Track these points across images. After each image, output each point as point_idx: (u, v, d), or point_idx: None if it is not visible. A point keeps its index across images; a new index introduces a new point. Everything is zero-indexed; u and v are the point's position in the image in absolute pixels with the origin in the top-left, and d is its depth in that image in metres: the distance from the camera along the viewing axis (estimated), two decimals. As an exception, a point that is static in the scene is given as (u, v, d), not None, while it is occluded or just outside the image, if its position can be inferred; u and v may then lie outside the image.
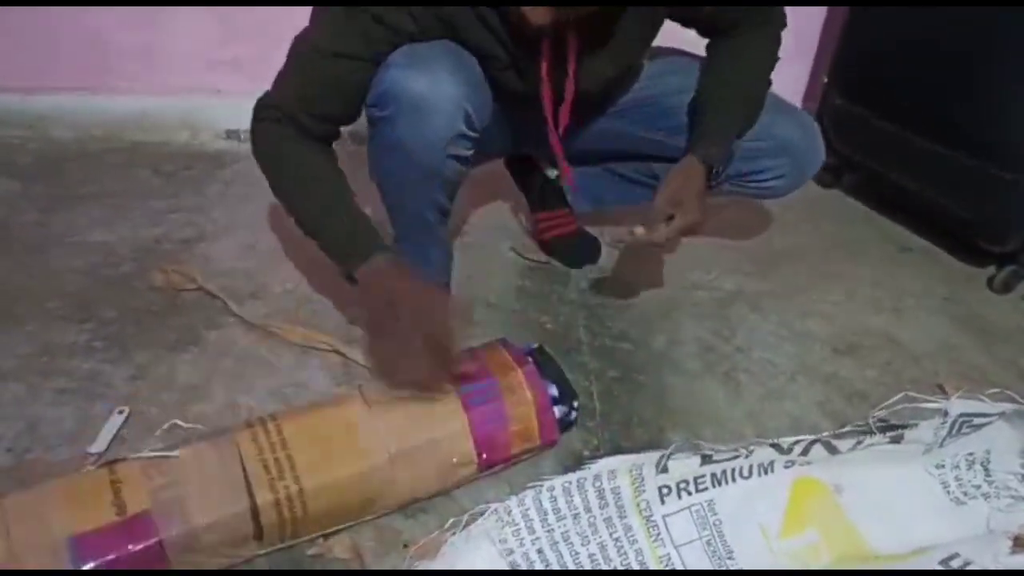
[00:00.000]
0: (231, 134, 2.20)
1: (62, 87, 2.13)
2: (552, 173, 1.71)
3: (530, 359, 1.22)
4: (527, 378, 1.18)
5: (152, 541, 0.96)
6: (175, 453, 1.03)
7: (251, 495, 1.01)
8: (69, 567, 0.93)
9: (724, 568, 1.01)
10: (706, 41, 1.44)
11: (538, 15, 1.07)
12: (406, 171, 1.24)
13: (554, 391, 1.20)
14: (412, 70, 1.15)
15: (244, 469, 1.03)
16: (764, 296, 1.66)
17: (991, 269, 1.79)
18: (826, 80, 2.06)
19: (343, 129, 1.29)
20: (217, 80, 2.13)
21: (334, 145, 1.30)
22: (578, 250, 1.74)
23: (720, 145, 1.36)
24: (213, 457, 1.04)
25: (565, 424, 1.22)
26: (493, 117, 1.28)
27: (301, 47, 1.21)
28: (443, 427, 1.12)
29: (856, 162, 2.03)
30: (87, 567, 0.93)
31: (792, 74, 2.27)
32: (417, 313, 1.15)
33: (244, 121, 2.15)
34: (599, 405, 1.35)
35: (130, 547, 0.95)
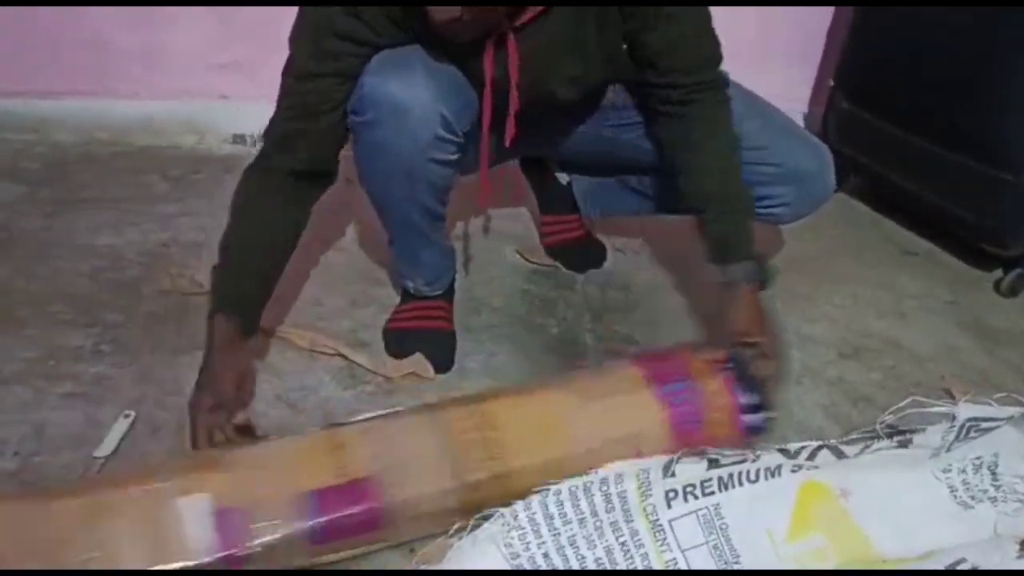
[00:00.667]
0: (237, 138, 2.20)
1: (67, 91, 2.14)
2: (563, 179, 1.71)
3: (729, 365, 1.22)
4: (725, 384, 1.19)
5: (372, 505, 1.03)
6: (394, 410, 1.18)
7: (461, 471, 1.07)
8: (306, 519, 1.00)
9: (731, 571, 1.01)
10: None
11: (440, 13, 1.06)
12: (388, 175, 1.25)
13: (749, 399, 1.20)
14: (387, 75, 1.17)
15: (455, 445, 1.09)
16: (769, 299, 1.65)
17: (997, 273, 1.79)
18: (832, 84, 2.06)
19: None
20: (222, 84, 2.14)
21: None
22: (582, 255, 1.74)
23: (749, 258, 1.30)
24: (426, 430, 1.11)
25: (757, 431, 1.21)
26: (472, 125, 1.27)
27: (282, 82, 1.23)
28: (644, 423, 1.15)
29: (861, 165, 2.03)
30: (320, 520, 1.01)
31: (798, 77, 2.27)
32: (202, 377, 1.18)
33: (250, 125, 2.19)
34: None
35: (352, 509, 1.02)
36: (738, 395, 1.19)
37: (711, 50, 1.26)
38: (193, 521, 0.98)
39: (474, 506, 1.06)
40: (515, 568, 1.01)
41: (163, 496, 1.00)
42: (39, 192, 1.94)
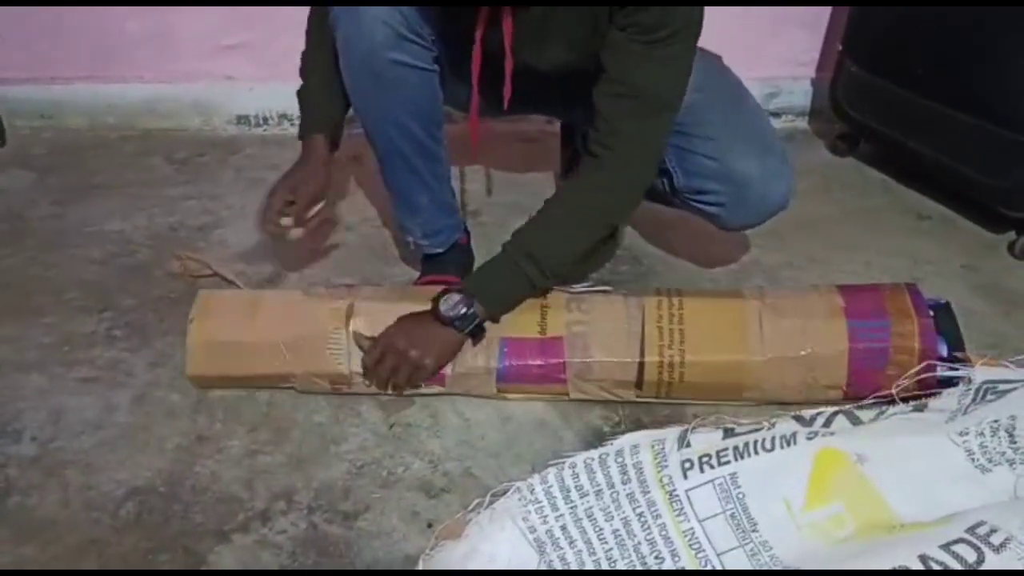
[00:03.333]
0: (242, 120, 2.19)
1: (73, 76, 2.13)
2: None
3: (931, 312, 1.23)
4: (921, 330, 1.20)
5: (558, 361, 1.23)
6: (605, 288, 1.32)
7: (642, 351, 1.21)
8: (496, 361, 1.24)
9: (749, 540, 1.01)
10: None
11: None
12: (360, 76, 1.26)
13: (944, 350, 1.21)
14: None
15: (643, 328, 1.22)
16: (781, 267, 1.65)
17: (1011, 235, 1.77)
18: (840, 48, 2.03)
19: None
20: (227, 66, 2.13)
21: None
22: None
23: (493, 299, 1.24)
24: (622, 311, 1.26)
25: (946, 382, 1.18)
26: (456, 67, 1.27)
27: None
28: (824, 349, 1.20)
29: (872, 130, 2.00)
30: (507, 364, 1.24)
31: (804, 42, 2.25)
32: (291, 175, 1.34)
33: (255, 106, 2.18)
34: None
35: (541, 360, 1.24)
36: (930, 344, 1.20)
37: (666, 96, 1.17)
38: None
39: (651, 385, 1.22)
40: (534, 542, 1.01)
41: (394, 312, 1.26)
42: (48, 179, 1.94)
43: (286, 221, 1.32)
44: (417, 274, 1.54)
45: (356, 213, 1.79)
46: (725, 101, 1.33)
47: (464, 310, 1.21)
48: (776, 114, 2.27)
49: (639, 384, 1.23)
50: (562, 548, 1.01)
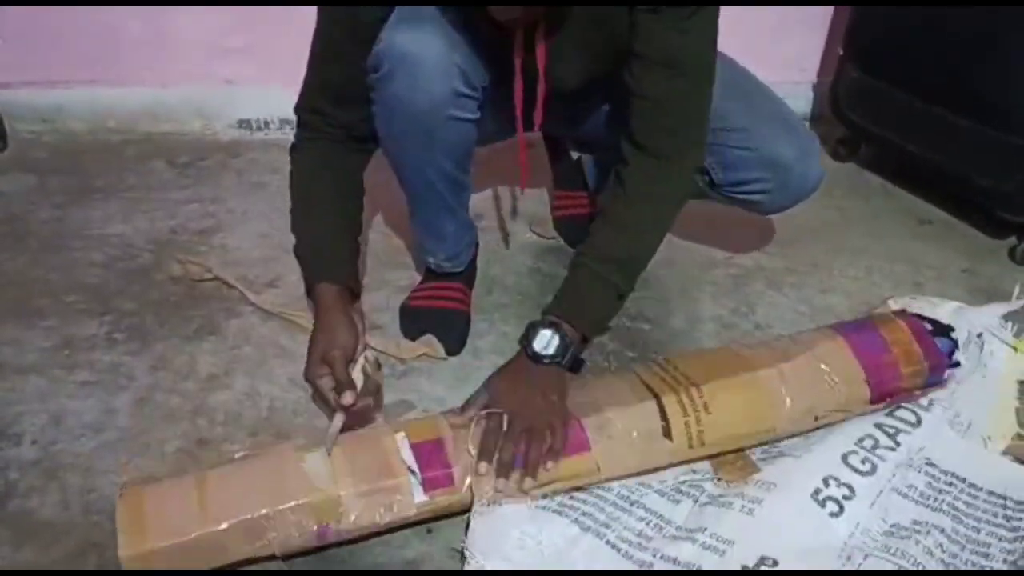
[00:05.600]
0: (243, 123, 2.20)
1: (74, 80, 2.13)
2: (575, 155, 1.70)
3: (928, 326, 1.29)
4: (899, 317, 1.29)
5: (576, 427, 1.11)
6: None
7: (655, 394, 1.14)
8: None
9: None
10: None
11: (501, 13, 1.03)
12: (406, 133, 1.22)
13: (929, 326, 1.26)
14: (399, 29, 1.13)
15: (644, 382, 1.17)
16: (782, 272, 1.65)
17: (1012, 240, 1.77)
18: (841, 52, 2.04)
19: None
20: (228, 69, 2.13)
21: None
22: (583, 232, 1.71)
23: (581, 333, 1.18)
24: (613, 378, 1.22)
25: (953, 363, 1.25)
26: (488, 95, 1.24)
27: (312, 43, 1.21)
28: (821, 347, 1.23)
29: (873, 135, 2.01)
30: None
31: (806, 46, 2.25)
32: (315, 343, 1.17)
33: (256, 110, 2.19)
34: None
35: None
36: (915, 323, 1.28)
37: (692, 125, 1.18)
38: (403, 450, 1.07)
39: (677, 428, 1.12)
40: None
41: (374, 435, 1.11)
42: (49, 182, 1.94)
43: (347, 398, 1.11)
44: (418, 277, 1.54)
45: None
46: (743, 91, 1.33)
47: (559, 342, 1.14)
48: (777, 119, 2.27)
49: (667, 431, 1.12)
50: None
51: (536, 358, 1.14)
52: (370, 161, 1.30)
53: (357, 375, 1.15)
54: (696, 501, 1.10)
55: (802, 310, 1.55)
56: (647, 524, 1.08)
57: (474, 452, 1.08)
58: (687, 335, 1.48)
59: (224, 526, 0.98)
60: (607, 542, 1.05)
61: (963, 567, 1.01)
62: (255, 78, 2.11)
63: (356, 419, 1.15)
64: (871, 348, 1.23)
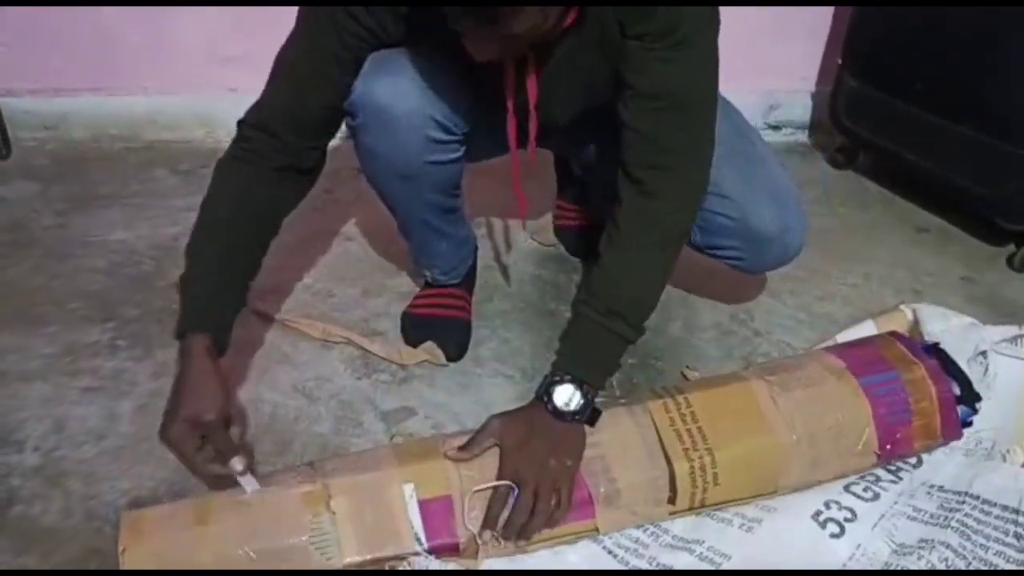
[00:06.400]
0: (245, 131, 2.20)
1: (77, 88, 2.14)
2: (576, 169, 1.71)
3: (931, 355, 1.20)
4: (930, 373, 1.17)
5: (583, 493, 1.05)
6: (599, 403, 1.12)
7: (668, 462, 1.07)
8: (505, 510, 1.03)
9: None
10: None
11: (479, 55, 0.98)
12: (387, 179, 1.23)
13: (956, 389, 1.18)
14: (375, 77, 1.11)
15: (659, 437, 1.09)
16: (780, 279, 1.66)
17: (1010, 248, 1.78)
18: (840, 61, 2.05)
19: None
20: (230, 77, 2.14)
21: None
22: (584, 241, 1.72)
23: (591, 384, 1.10)
24: (629, 423, 1.11)
25: (965, 423, 1.19)
26: (477, 121, 1.22)
27: (280, 55, 1.17)
28: (847, 414, 1.13)
29: (871, 143, 2.02)
30: None
31: (805, 54, 2.26)
32: (180, 403, 1.03)
33: (258, 118, 2.17)
34: (619, 392, 1.35)
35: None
36: (944, 386, 1.16)
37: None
38: (402, 512, 1.01)
39: (685, 496, 1.07)
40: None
41: (380, 484, 1.03)
42: (52, 189, 1.95)
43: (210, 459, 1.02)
44: (419, 284, 1.55)
45: (357, 224, 1.80)
46: (739, 154, 1.29)
47: (581, 399, 1.07)
48: (776, 127, 2.29)
49: (672, 499, 1.08)
50: None
51: (558, 414, 1.07)
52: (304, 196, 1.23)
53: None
54: (696, 514, 1.10)
55: (801, 317, 1.56)
56: (644, 532, 1.08)
57: (476, 522, 1.02)
58: (686, 342, 1.48)
59: None
60: (604, 547, 1.06)
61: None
62: (257, 86, 2.10)
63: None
64: (894, 419, 1.14)
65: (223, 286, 1.13)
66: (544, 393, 1.08)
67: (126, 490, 1.17)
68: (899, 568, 1.01)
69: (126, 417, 1.30)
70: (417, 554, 1.00)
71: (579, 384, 1.08)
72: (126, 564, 0.94)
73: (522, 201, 1.26)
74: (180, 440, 1.00)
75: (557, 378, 1.09)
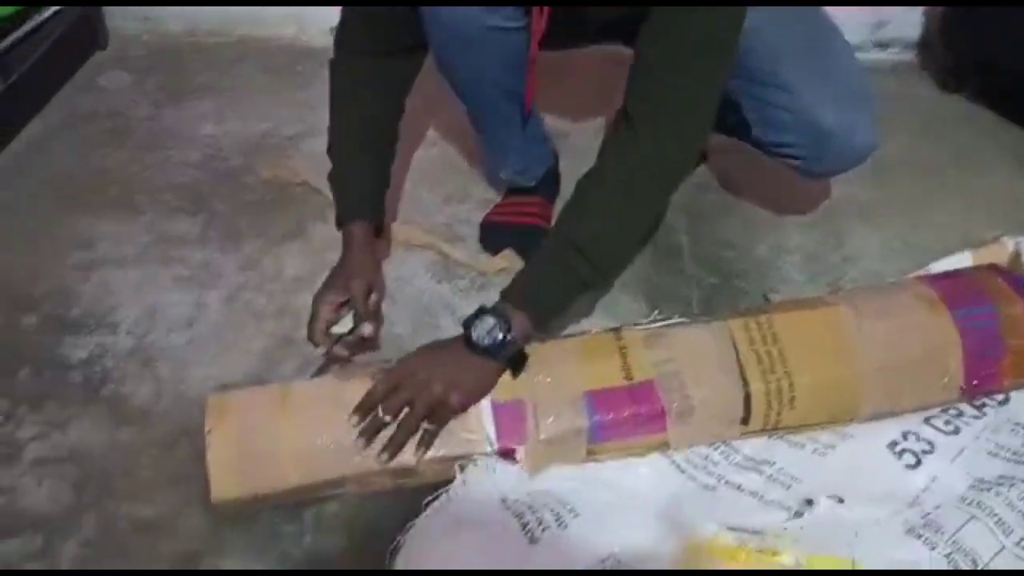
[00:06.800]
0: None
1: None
2: None
3: None
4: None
5: (656, 407, 1.04)
6: (671, 320, 1.14)
7: (745, 382, 1.06)
8: (584, 419, 1.03)
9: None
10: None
11: None
12: (451, 45, 1.20)
13: None
14: None
15: (738, 356, 1.07)
16: (876, 205, 1.59)
17: None
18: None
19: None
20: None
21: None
22: None
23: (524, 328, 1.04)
24: (708, 340, 1.10)
25: None
26: None
27: None
28: (935, 346, 1.10)
29: (983, 65, 1.90)
30: (600, 419, 1.03)
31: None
32: (338, 275, 1.20)
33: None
34: (697, 311, 1.33)
35: (637, 409, 1.04)
36: None
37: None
38: (475, 413, 1.04)
39: (759, 417, 1.06)
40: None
41: None
42: (147, 81, 1.98)
43: (338, 344, 1.16)
44: (501, 192, 1.54)
45: (440, 129, 1.78)
46: (804, 44, 1.23)
47: (501, 335, 1.01)
48: (883, 45, 2.16)
49: (745, 420, 1.07)
50: None
51: (471, 346, 1.02)
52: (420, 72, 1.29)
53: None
54: (768, 435, 1.09)
55: (894, 245, 1.50)
56: (715, 449, 1.08)
57: (549, 428, 1.03)
58: (771, 265, 1.45)
59: (305, 484, 1.01)
60: (673, 463, 1.06)
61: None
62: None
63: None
64: (985, 354, 1.10)
65: (370, 176, 1.26)
66: (467, 322, 1.03)
67: (213, 376, 1.22)
68: (974, 502, 0.98)
69: (214, 307, 1.34)
70: (486, 454, 1.02)
71: (504, 321, 1.01)
72: (212, 444, 0.99)
73: (531, 88, 1.25)
74: (326, 304, 1.17)
75: (485, 310, 1.03)
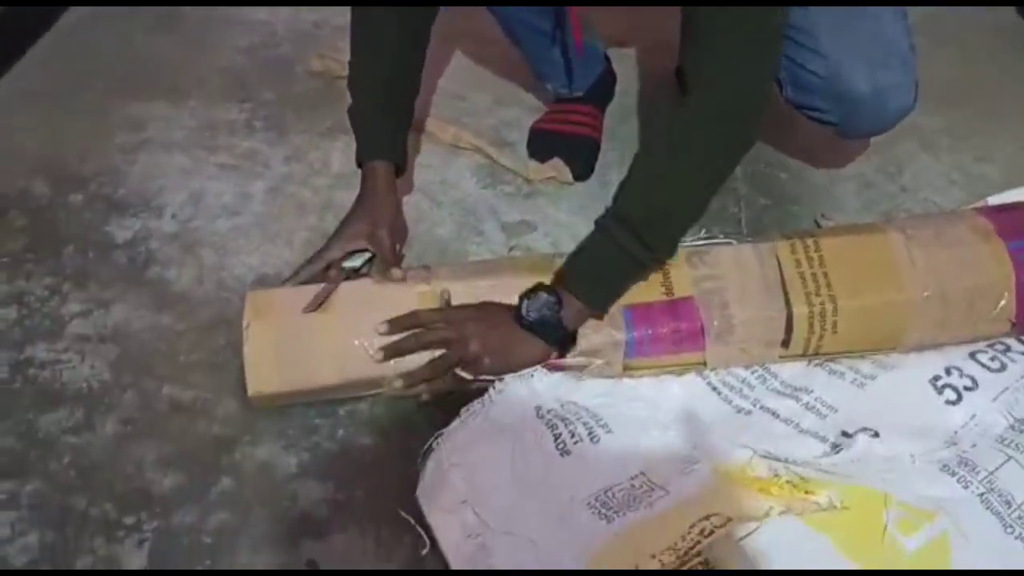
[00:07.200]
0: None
1: None
2: None
3: None
4: None
5: (696, 324, 1.02)
6: (715, 240, 1.11)
7: (788, 303, 1.03)
8: (623, 332, 1.01)
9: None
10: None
11: None
12: None
13: None
14: None
15: (782, 277, 1.04)
16: (938, 134, 1.53)
17: None
18: None
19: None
20: None
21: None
22: None
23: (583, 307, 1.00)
24: (752, 260, 1.06)
25: None
26: None
27: None
28: (987, 277, 1.06)
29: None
30: (637, 334, 1.01)
31: None
32: (357, 218, 1.13)
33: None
34: (747, 232, 1.30)
35: (676, 325, 1.02)
36: None
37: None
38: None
39: (800, 341, 1.04)
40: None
41: (497, 292, 1.03)
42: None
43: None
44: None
45: (494, 28, 1.73)
46: (843, 6, 1.16)
47: (549, 314, 0.97)
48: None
49: (786, 343, 1.04)
50: None
51: (518, 317, 0.99)
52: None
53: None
54: (808, 362, 1.07)
55: (954, 177, 1.45)
56: (752, 373, 1.06)
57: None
58: (826, 190, 1.41)
59: (340, 383, 1.00)
60: (709, 383, 1.05)
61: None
62: None
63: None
64: None
65: (392, 112, 1.17)
66: (523, 294, 0.99)
67: (254, 266, 1.22)
68: (1012, 443, 0.96)
69: (258, 197, 1.34)
70: None
71: (555, 302, 0.98)
72: (249, 339, 0.99)
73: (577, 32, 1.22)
74: (342, 252, 1.10)
75: (543, 285, 0.99)
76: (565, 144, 1.41)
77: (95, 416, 1.03)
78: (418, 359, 0.98)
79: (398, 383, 0.98)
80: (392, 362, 0.98)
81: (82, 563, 0.88)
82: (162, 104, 1.51)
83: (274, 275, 1.20)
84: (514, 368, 0.99)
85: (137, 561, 0.89)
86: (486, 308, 1.01)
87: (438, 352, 0.98)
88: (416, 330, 0.98)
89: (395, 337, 0.98)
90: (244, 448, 1.00)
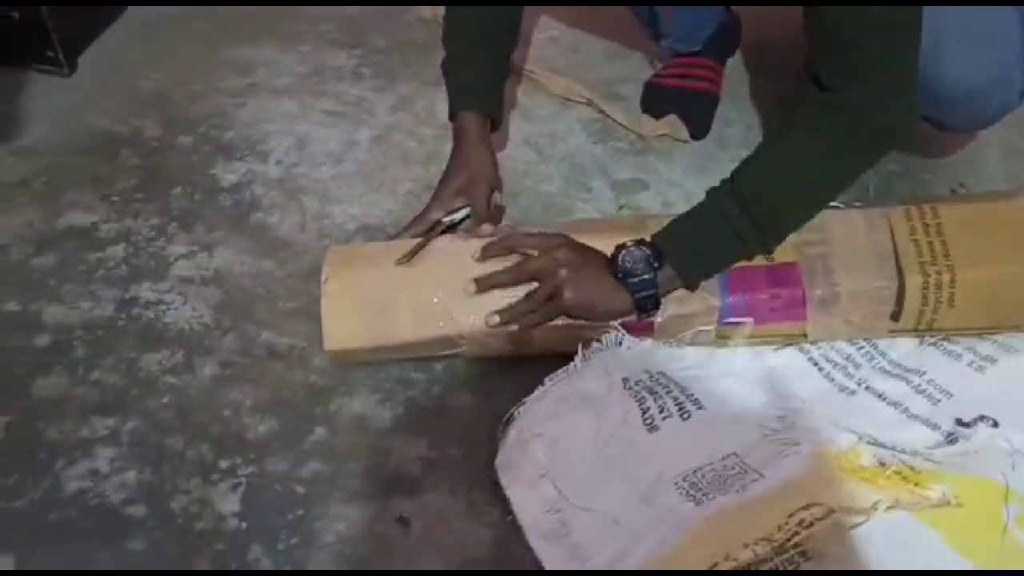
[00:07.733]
0: None
1: None
2: None
3: None
4: None
5: (797, 291, 0.95)
6: (836, 204, 1.02)
7: (900, 272, 0.95)
8: (718, 297, 0.95)
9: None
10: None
11: None
12: None
13: None
14: None
15: (895, 245, 0.96)
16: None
17: None
18: None
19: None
20: None
21: None
22: None
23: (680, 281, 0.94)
24: (862, 225, 0.98)
25: None
26: None
27: None
28: None
29: None
30: (733, 299, 0.95)
31: None
32: (455, 174, 1.07)
33: None
34: (873, 197, 1.21)
35: (775, 291, 0.95)
36: None
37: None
38: None
39: (912, 314, 0.95)
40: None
41: None
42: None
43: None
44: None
45: None
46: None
47: (643, 268, 0.91)
48: None
49: (896, 315, 0.96)
50: None
51: (613, 268, 0.93)
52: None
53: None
54: (921, 339, 0.98)
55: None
56: (858, 349, 0.98)
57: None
58: (966, 159, 1.30)
59: (419, 339, 0.96)
60: (810, 358, 0.98)
61: None
62: None
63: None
64: None
65: (487, 64, 1.12)
66: (621, 244, 0.93)
67: (356, 215, 1.21)
68: None
69: (363, 145, 1.32)
70: (614, 329, 0.96)
71: (654, 260, 0.91)
72: (327, 294, 0.96)
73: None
74: (440, 207, 1.04)
75: (645, 241, 0.93)
76: (682, 100, 1.34)
77: (195, 358, 1.03)
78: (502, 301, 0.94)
79: (494, 319, 0.93)
80: (469, 319, 0.94)
81: (177, 503, 0.88)
82: (271, 48, 1.50)
83: (376, 225, 1.18)
84: (591, 312, 0.94)
85: (230, 505, 0.88)
86: (582, 246, 0.96)
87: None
88: (509, 264, 0.95)
89: (489, 268, 0.95)
90: (339, 399, 0.98)
